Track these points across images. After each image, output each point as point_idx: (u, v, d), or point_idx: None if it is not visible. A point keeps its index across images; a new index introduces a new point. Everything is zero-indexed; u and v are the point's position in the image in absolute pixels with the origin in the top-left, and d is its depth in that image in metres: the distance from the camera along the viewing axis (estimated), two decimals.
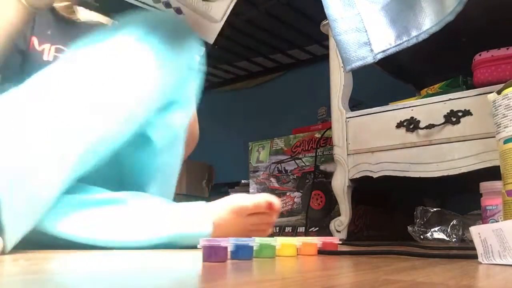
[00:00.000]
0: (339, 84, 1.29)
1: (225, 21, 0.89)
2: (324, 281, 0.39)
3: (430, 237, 1.19)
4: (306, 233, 1.45)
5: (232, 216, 0.79)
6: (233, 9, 0.86)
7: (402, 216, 1.33)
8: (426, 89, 1.28)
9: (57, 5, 0.89)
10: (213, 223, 0.76)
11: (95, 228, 0.70)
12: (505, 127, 0.66)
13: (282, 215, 1.59)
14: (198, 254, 0.57)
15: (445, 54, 1.37)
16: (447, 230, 1.20)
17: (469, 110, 1.07)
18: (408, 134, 1.16)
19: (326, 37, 1.38)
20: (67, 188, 0.66)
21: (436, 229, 1.20)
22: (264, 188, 1.71)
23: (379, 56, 1.01)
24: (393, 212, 1.50)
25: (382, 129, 1.20)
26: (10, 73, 0.82)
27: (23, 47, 0.87)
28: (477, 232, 0.55)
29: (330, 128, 1.39)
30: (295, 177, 1.64)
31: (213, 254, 0.53)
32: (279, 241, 0.63)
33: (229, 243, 0.55)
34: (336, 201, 1.29)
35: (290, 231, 1.60)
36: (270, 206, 0.81)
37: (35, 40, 0.88)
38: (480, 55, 1.14)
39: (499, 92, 0.68)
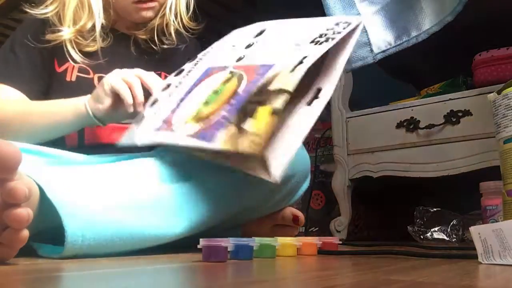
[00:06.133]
0: (339, 84, 1.29)
1: (225, 21, 0.88)
2: (324, 281, 0.39)
3: (430, 237, 1.19)
4: (306, 233, 1.45)
5: (259, 222, 0.84)
6: (233, 9, 0.86)
7: (402, 216, 1.33)
8: (426, 89, 1.28)
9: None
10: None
11: None
12: (505, 127, 0.66)
13: None
14: (198, 254, 0.57)
15: (445, 54, 1.37)
16: (447, 230, 1.20)
17: (469, 110, 1.07)
18: (408, 134, 1.16)
19: None
20: None
21: (436, 229, 1.20)
22: None
23: (379, 56, 1.01)
24: (393, 212, 1.49)
25: (382, 129, 1.20)
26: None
27: (51, 68, 0.88)
28: (477, 232, 0.55)
29: (330, 128, 1.39)
30: None
31: (213, 254, 0.53)
32: (279, 241, 0.63)
33: (229, 243, 0.55)
34: (336, 201, 1.29)
35: None
36: (296, 219, 0.84)
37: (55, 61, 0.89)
38: (480, 55, 1.14)
39: (499, 92, 0.68)
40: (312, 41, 0.68)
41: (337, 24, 0.70)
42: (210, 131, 0.62)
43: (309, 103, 0.65)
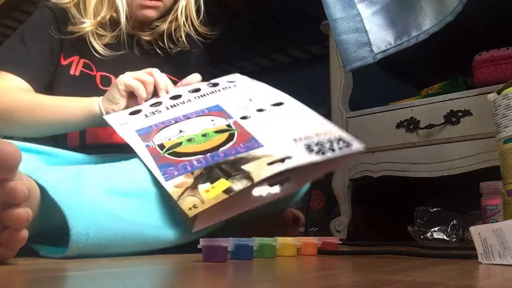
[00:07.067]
0: (339, 84, 1.29)
1: (225, 21, 0.88)
2: (324, 281, 0.39)
3: (430, 237, 1.19)
4: (306, 233, 1.45)
5: (259, 222, 0.83)
6: (233, 9, 0.86)
7: (402, 216, 1.33)
8: (426, 89, 1.28)
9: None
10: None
11: None
12: (505, 127, 0.66)
13: None
14: (198, 254, 0.57)
15: (445, 54, 1.37)
16: (447, 230, 1.20)
17: (469, 110, 1.07)
18: (408, 134, 1.16)
19: (326, 37, 1.38)
20: None
21: (436, 229, 1.20)
22: None
23: (379, 56, 1.01)
24: (393, 212, 1.49)
25: (382, 129, 1.20)
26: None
27: (56, 60, 0.89)
28: (477, 232, 0.55)
29: None
30: None
31: (213, 254, 0.53)
32: (279, 241, 0.63)
33: (229, 243, 0.55)
34: (336, 201, 1.29)
35: None
36: (296, 220, 0.84)
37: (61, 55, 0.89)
38: (480, 55, 1.14)
39: (499, 92, 0.68)
40: (308, 146, 0.66)
41: (339, 140, 0.68)
42: (172, 170, 0.64)
43: (271, 185, 0.66)
